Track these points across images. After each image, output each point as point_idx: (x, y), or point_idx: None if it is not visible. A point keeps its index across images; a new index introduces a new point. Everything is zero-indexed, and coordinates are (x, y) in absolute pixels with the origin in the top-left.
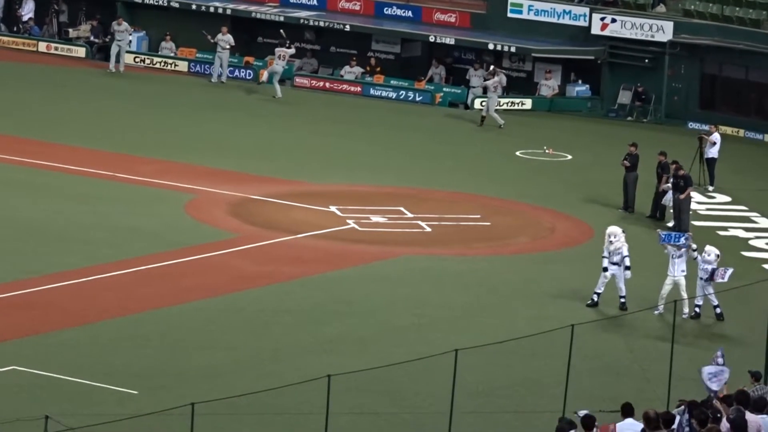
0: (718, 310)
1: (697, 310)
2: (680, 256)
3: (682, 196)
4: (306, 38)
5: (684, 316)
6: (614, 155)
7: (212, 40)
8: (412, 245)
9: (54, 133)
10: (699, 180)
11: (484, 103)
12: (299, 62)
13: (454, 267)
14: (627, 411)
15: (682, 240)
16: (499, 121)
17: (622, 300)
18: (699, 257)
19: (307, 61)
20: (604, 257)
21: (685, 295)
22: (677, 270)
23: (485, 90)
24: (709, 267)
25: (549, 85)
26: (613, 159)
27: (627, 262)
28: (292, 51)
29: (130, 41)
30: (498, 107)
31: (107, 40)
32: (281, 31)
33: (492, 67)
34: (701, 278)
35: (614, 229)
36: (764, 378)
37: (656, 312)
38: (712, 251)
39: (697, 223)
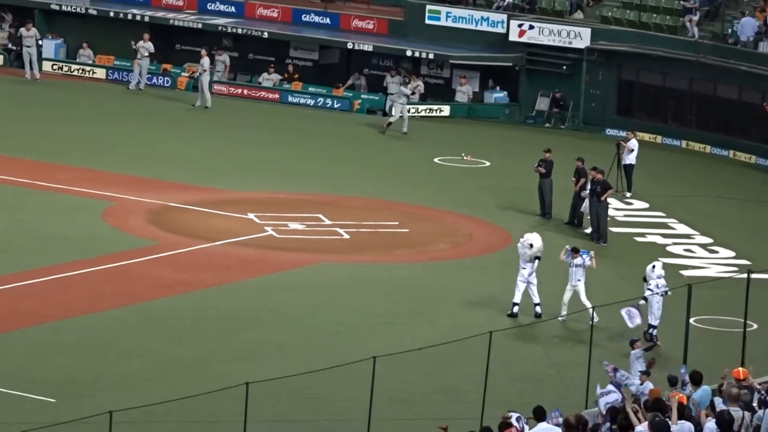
0: (654, 331)
1: (653, 333)
2: (578, 265)
3: (603, 198)
4: (224, 45)
5: (594, 323)
6: (532, 162)
7: (134, 46)
8: (331, 252)
9: None
10: (617, 186)
11: (394, 111)
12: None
13: (373, 274)
14: (539, 415)
15: (586, 257)
16: (404, 128)
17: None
18: (651, 273)
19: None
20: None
21: (586, 302)
22: (574, 279)
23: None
24: (661, 282)
25: (464, 91)
26: (532, 165)
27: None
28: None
29: (41, 46)
30: (405, 114)
31: (18, 47)
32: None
33: (403, 73)
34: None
35: (533, 237)
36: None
37: (560, 319)
38: (657, 266)
39: (615, 230)
